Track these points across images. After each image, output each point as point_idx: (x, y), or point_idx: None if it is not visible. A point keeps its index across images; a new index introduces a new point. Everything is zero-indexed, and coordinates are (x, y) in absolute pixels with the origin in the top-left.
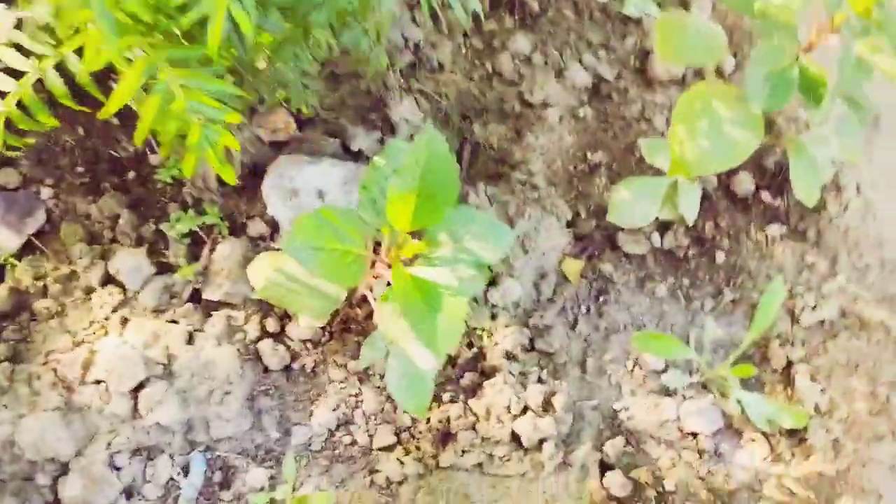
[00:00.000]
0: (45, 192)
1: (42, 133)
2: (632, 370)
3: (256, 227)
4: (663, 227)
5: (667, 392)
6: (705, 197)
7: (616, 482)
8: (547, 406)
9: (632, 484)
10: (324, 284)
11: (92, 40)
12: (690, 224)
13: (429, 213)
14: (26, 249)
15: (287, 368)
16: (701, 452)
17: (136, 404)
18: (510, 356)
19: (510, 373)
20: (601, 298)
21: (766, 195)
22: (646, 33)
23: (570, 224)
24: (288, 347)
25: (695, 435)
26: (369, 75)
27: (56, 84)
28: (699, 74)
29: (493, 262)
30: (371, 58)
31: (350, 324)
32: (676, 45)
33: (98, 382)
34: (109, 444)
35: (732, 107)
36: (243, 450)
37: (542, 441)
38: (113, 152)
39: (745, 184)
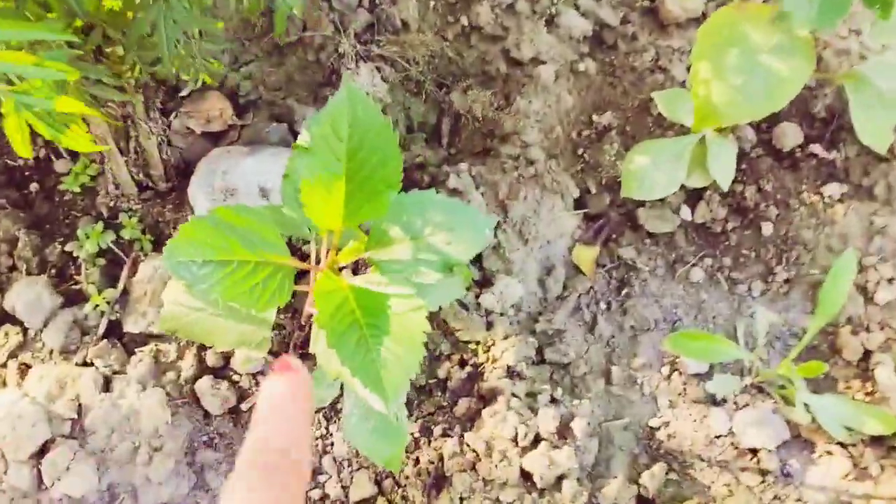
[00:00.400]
0: None
1: None
2: (669, 376)
3: None
4: (693, 196)
5: (715, 401)
6: (742, 156)
7: None
8: (564, 432)
9: None
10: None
11: None
12: (726, 190)
13: (365, 202)
14: None
15: (234, 411)
16: (764, 473)
17: (39, 473)
18: (513, 373)
19: (514, 395)
20: (624, 291)
21: (817, 148)
22: None
23: (578, 203)
24: (234, 384)
25: (755, 452)
26: (277, 32)
27: None
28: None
29: (468, 259)
30: (277, 5)
31: (309, 348)
32: None
33: None
34: None
35: (769, 31)
36: None
37: (560, 478)
38: (9, 161)
39: (790, 136)
